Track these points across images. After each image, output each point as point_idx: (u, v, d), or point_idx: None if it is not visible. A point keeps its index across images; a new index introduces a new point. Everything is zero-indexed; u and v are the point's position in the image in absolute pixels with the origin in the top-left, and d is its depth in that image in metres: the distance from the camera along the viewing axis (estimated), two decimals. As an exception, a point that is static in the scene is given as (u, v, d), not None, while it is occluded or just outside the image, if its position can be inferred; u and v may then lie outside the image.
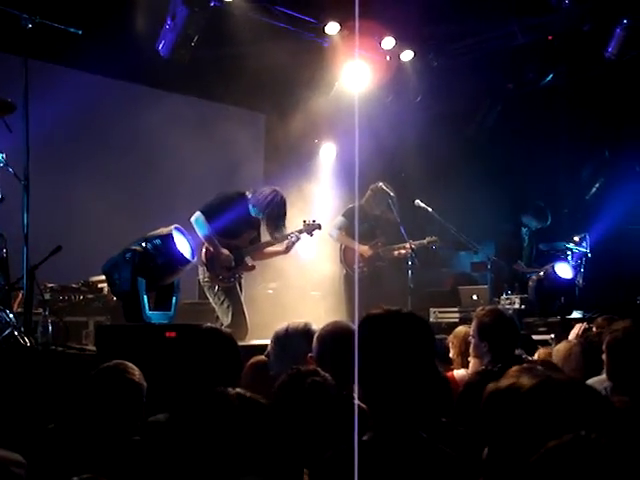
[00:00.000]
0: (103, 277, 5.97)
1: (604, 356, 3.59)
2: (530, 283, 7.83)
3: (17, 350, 4.61)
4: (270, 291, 8.77)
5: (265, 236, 6.86)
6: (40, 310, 5.68)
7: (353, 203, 7.97)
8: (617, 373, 3.48)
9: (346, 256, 7.82)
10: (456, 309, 7.98)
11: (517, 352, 4.17)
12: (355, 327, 3.33)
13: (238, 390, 1.65)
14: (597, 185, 10.26)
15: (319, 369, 2.68)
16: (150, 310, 5.15)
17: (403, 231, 7.47)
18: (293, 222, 7.10)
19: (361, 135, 7.87)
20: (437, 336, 5.49)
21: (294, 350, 3.41)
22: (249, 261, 6.74)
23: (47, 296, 6.51)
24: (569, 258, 8.38)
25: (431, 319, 7.84)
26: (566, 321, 7.17)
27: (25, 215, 5.14)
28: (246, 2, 7.96)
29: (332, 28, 8.71)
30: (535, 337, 6.76)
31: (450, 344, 4.91)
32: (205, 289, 6.58)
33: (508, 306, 7.51)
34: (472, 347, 4.14)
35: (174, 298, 5.39)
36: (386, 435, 2.19)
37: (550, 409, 1.74)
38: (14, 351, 4.59)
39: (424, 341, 2.29)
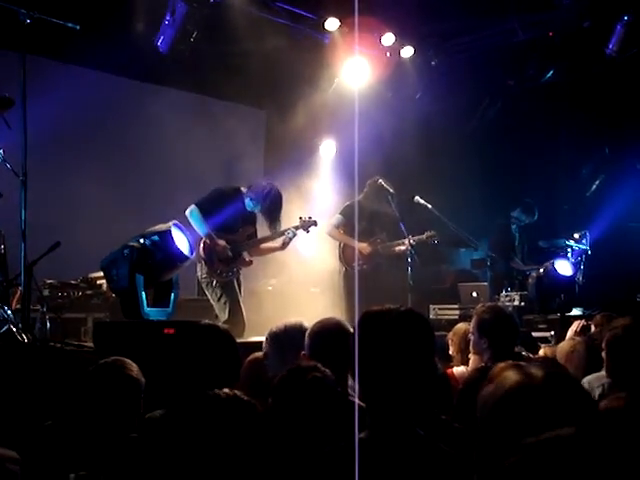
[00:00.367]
0: (102, 273, 5.95)
1: (604, 353, 3.58)
2: (530, 280, 7.81)
3: (15, 347, 4.60)
4: (270, 287, 8.76)
5: (262, 232, 6.86)
6: (38, 307, 5.67)
7: (352, 200, 7.94)
8: (616, 370, 3.47)
9: (345, 253, 7.80)
10: (456, 306, 7.98)
11: (517, 349, 4.16)
12: (349, 324, 3.33)
13: (228, 391, 1.63)
14: (597, 182, 10.25)
15: (319, 365, 2.66)
16: (148, 307, 5.13)
17: (403, 227, 7.45)
18: (292, 218, 7.09)
19: (361, 131, 7.84)
20: (437, 333, 5.47)
21: (290, 349, 3.39)
22: (246, 256, 6.74)
23: (46, 292, 6.51)
24: (569, 255, 8.37)
25: (431, 316, 7.83)
26: (566, 318, 7.16)
27: (23, 211, 5.12)
28: (246, -2, 7.95)
29: (332, 24, 8.70)
30: (535, 334, 6.76)
31: (450, 341, 4.91)
32: (203, 285, 6.58)
33: (508, 303, 7.50)
34: (472, 344, 4.13)
35: (173, 295, 5.38)
36: (384, 433, 2.17)
37: (529, 406, 1.73)
38: (12, 348, 4.57)
39: (423, 338, 2.27)
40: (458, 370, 4.58)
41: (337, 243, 7.92)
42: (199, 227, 6.35)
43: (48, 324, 5.48)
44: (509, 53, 9.28)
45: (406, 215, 7.62)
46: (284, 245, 6.82)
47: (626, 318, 3.76)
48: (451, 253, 10.04)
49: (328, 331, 3.23)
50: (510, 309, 6.47)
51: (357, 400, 2.49)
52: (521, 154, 9.81)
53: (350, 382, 3.06)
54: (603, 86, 9.37)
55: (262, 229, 6.84)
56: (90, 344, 5.29)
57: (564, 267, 7.84)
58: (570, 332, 5.11)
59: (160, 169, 8.61)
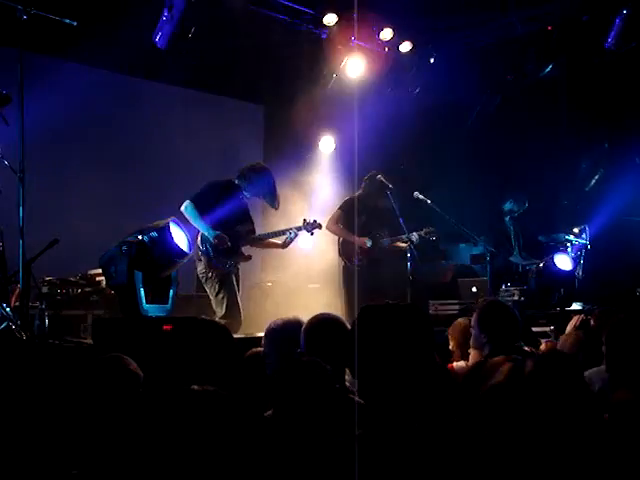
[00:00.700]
0: (101, 270, 5.94)
1: (603, 348, 3.56)
2: (529, 275, 7.81)
3: (13, 344, 4.59)
4: (269, 283, 8.76)
5: (261, 229, 6.88)
6: (37, 304, 5.67)
7: (351, 195, 7.93)
8: (616, 365, 3.46)
9: (344, 248, 7.78)
10: (455, 301, 7.97)
11: (517, 344, 4.15)
12: (348, 319, 3.32)
13: (206, 387, 1.62)
14: (597, 177, 10.23)
15: (320, 360, 2.65)
16: (147, 303, 5.13)
17: (402, 223, 7.43)
18: (293, 213, 7.10)
19: (360, 126, 7.84)
20: (436, 328, 5.48)
21: (288, 346, 3.38)
22: (245, 252, 6.74)
23: (45, 290, 6.49)
24: (569, 250, 8.36)
25: (430, 311, 7.82)
26: (565, 313, 7.15)
27: (21, 208, 5.12)
28: (244, -7, 7.92)
29: (330, 19, 8.67)
30: (534, 329, 6.74)
31: (449, 336, 4.90)
32: (202, 280, 6.57)
33: (507, 298, 7.49)
34: (472, 338, 4.12)
35: (171, 291, 5.37)
36: (382, 428, 2.16)
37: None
38: (10, 345, 4.57)
39: (423, 333, 2.27)
40: (458, 365, 4.58)
41: (336, 238, 7.91)
42: (195, 222, 6.32)
43: (47, 321, 5.48)
44: (508, 47, 9.26)
45: (405, 210, 7.60)
46: (285, 245, 6.82)
47: (626, 313, 3.75)
48: (450, 248, 10.03)
49: (324, 326, 3.23)
50: (510, 304, 6.45)
51: (356, 397, 2.49)
52: (520, 149, 9.78)
53: (348, 377, 3.05)
54: (602, 80, 9.35)
55: (262, 224, 6.85)
56: (89, 341, 5.29)
57: (564, 262, 7.83)
58: (569, 327, 5.10)
59: (158, 165, 8.60)
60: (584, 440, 1.51)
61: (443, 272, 9.59)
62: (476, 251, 9.30)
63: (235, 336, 5.45)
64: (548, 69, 9.51)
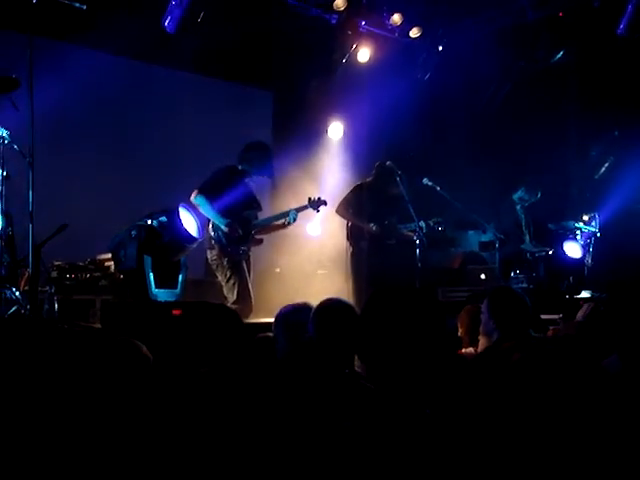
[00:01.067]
0: (110, 255, 5.96)
1: (615, 336, 3.55)
2: (539, 262, 7.78)
3: (22, 327, 4.61)
4: (278, 269, 8.76)
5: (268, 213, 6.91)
6: (47, 288, 5.68)
7: (361, 181, 7.92)
8: (628, 354, 3.44)
9: (353, 233, 7.78)
10: (464, 288, 7.94)
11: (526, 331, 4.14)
12: (356, 304, 3.31)
13: (209, 369, 1.62)
14: (607, 164, 10.17)
15: (325, 345, 2.65)
16: (157, 288, 5.13)
17: (411, 210, 7.42)
18: (302, 199, 7.10)
19: (369, 112, 7.82)
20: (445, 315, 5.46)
21: (298, 331, 3.38)
22: (256, 235, 6.79)
23: (54, 274, 6.51)
24: (578, 237, 8.33)
25: (439, 298, 7.80)
26: (575, 300, 7.14)
27: (30, 193, 5.12)
28: (253, -22, 7.89)
29: (340, 4, 8.63)
30: (543, 316, 6.72)
31: (458, 323, 4.89)
32: (213, 267, 6.61)
33: (516, 285, 7.47)
34: (482, 324, 4.12)
35: (181, 276, 5.38)
36: (391, 413, 2.16)
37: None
38: (20, 328, 4.58)
39: (434, 318, 2.26)
40: (467, 351, 4.57)
41: (345, 224, 7.90)
42: (206, 211, 6.39)
43: (56, 305, 5.49)
44: (519, 34, 9.20)
45: (415, 197, 7.58)
46: (285, 225, 6.96)
47: (638, 300, 3.73)
48: (459, 235, 10.00)
49: (333, 312, 3.22)
50: (520, 291, 6.43)
51: (366, 382, 2.49)
52: (530, 136, 9.74)
53: (358, 363, 3.05)
54: (613, 67, 9.28)
55: (271, 208, 6.87)
56: (98, 325, 5.30)
57: (573, 249, 7.81)
58: (580, 314, 5.08)
59: (167, 151, 8.59)
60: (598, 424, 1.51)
61: (452, 259, 9.57)
62: (485, 238, 9.27)
63: (245, 321, 5.48)
64: (559, 55, 9.45)
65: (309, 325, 3.26)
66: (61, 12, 5.85)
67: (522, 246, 8.59)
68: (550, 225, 8.87)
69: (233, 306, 6.28)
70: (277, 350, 3.47)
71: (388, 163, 7.58)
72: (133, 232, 5.01)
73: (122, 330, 4.24)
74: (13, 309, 4.80)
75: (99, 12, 6.42)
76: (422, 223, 7.48)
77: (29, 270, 5.25)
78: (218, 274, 6.59)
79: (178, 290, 5.34)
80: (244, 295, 6.47)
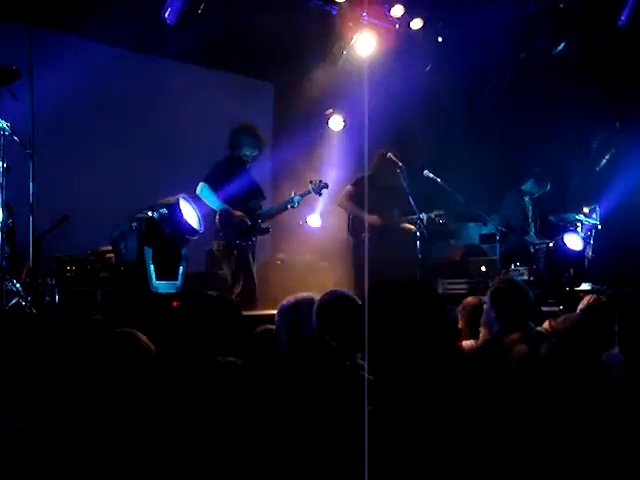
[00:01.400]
0: (111, 247, 5.95)
1: (616, 327, 3.54)
2: (539, 254, 7.78)
3: (23, 319, 4.61)
4: (279, 261, 8.76)
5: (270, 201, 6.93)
6: (48, 280, 5.68)
7: (362, 173, 7.91)
8: (629, 345, 3.44)
9: (354, 225, 7.78)
10: (464, 280, 7.95)
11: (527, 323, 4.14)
12: (358, 296, 3.31)
13: (230, 359, 1.62)
14: (607, 156, 10.15)
15: (326, 337, 2.65)
16: (157, 280, 5.13)
17: (412, 202, 7.42)
18: (301, 190, 7.11)
19: (370, 104, 7.75)
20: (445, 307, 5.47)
21: (301, 323, 3.38)
22: (263, 225, 6.80)
23: (55, 266, 6.51)
24: (579, 229, 8.32)
25: (439, 290, 7.80)
26: (575, 293, 7.13)
27: (31, 184, 5.11)
28: (253, -32, 7.86)
29: (341, -5, 8.60)
30: (544, 309, 6.72)
31: (458, 315, 4.90)
32: (219, 257, 6.62)
33: (517, 277, 7.46)
34: (483, 314, 4.14)
35: (181, 268, 5.37)
36: (391, 405, 2.16)
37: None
38: (20, 320, 4.58)
39: (434, 310, 2.26)
40: (467, 343, 4.58)
41: (347, 215, 7.90)
42: (212, 203, 6.42)
43: (57, 297, 5.49)
44: (520, 25, 9.17)
45: (415, 189, 7.58)
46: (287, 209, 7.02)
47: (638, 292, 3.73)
48: (460, 227, 9.99)
49: (335, 304, 3.23)
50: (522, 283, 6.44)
51: (366, 373, 2.48)
52: (531, 128, 9.73)
53: (360, 355, 3.05)
54: (614, 59, 9.26)
55: (274, 197, 6.88)
56: (99, 317, 5.30)
57: (574, 241, 7.80)
58: (581, 306, 5.08)
59: (167, 142, 8.58)
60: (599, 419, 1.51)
61: (453, 251, 9.57)
62: (485, 230, 9.27)
63: (246, 313, 5.49)
64: (560, 47, 9.43)
65: (312, 317, 3.26)
66: (61, 3, 5.83)
67: (526, 237, 8.59)
68: (551, 217, 8.87)
69: (237, 299, 6.30)
70: (278, 342, 3.48)
71: (389, 155, 7.57)
72: (134, 224, 5.01)
73: (123, 322, 4.23)
74: (14, 301, 4.80)
75: (99, 3, 6.41)
76: (423, 215, 7.48)
77: (30, 262, 5.25)
78: (224, 265, 6.61)
79: (179, 282, 5.34)
80: (249, 287, 6.51)
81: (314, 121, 9.68)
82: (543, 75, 9.74)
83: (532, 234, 8.64)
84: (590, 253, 8.22)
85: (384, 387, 2.23)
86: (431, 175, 7.58)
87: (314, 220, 8.64)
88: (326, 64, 9.15)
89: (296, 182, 7.15)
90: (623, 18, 8.46)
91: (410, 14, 9.09)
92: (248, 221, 6.53)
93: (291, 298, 3.62)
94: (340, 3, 8.67)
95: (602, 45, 9.31)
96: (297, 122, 9.38)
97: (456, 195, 7.60)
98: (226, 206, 6.47)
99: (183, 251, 5.40)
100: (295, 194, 6.94)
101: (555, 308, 6.89)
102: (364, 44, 9.01)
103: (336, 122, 9.88)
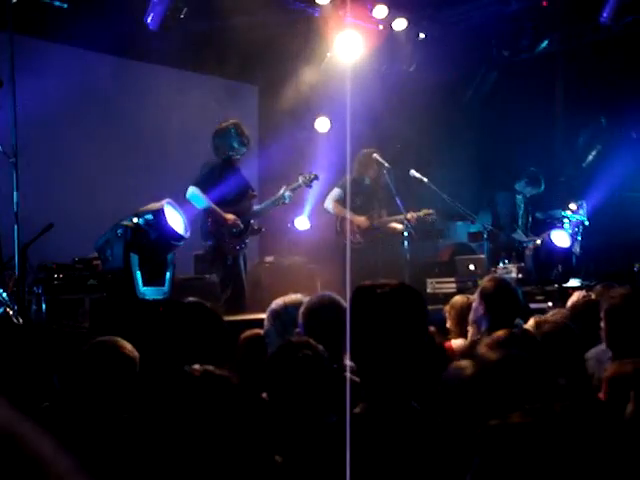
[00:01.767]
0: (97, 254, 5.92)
1: (602, 324, 3.55)
2: (527, 252, 7.79)
3: (10, 329, 4.58)
4: (267, 264, 8.74)
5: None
6: (34, 289, 5.65)
7: (348, 175, 7.90)
8: (616, 341, 3.45)
9: (343, 228, 7.78)
10: (453, 279, 7.95)
11: (516, 321, 4.15)
12: (345, 298, 3.30)
13: (205, 367, 1.61)
14: (594, 152, 10.20)
15: (311, 340, 2.64)
16: (144, 286, 5.11)
17: (399, 203, 7.42)
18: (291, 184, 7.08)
19: (355, 105, 7.77)
20: (434, 307, 5.48)
21: (290, 326, 3.37)
22: (255, 224, 6.77)
23: (42, 274, 6.48)
24: (566, 226, 8.34)
25: (428, 290, 7.80)
26: (564, 289, 7.15)
27: (15, 193, 5.09)
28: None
29: (323, -3, 8.60)
30: (533, 306, 6.73)
31: (447, 314, 4.90)
32: (210, 261, 6.58)
33: (505, 275, 7.47)
34: (472, 310, 4.15)
35: (168, 273, 5.35)
36: (378, 407, 2.16)
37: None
38: (7, 330, 4.56)
39: (416, 312, 2.26)
40: (456, 343, 4.58)
41: (335, 217, 7.90)
42: (203, 206, 6.36)
43: (44, 306, 5.46)
44: (503, 23, 9.20)
45: (402, 189, 7.58)
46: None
47: (624, 288, 3.74)
48: (447, 226, 10.01)
49: (322, 307, 3.22)
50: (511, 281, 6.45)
51: (349, 375, 2.48)
52: (517, 125, 9.76)
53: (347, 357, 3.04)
54: (598, 55, 9.30)
55: (261, 194, 6.87)
56: (87, 325, 5.27)
57: (561, 238, 7.81)
58: (570, 303, 5.09)
59: (153, 147, 8.56)
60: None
61: (441, 251, 9.58)
62: (473, 229, 9.29)
63: (235, 318, 5.47)
64: (544, 45, 9.46)
65: (299, 321, 3.26)
66: (42, 10, 5.81)
67: (514, 235, 8.62)
68: (538, 214, 8.90)
69: (227, 303, 6.28)
70: (268, 345, 3.46)
71: (374, 155, 7.58)
72: (119, 231, 4.98)
73: (111, 329, 4.21)
74: (0, 310, 4.77)
75: (81, 10, 6.39)
76: (412, 215, 7.47)
77: (16, 271, 5.22)
78: (213, 269, 6.56)
79: (166, 288, 5.31)
80: (239, 291, 6.47)
81: (299, 123, 9.68)
82: (527, 73, 9.77)
83: (520, 232, 8.67)
84: (578, 249, 8.23)
85: (370, 389, 2.23)
86: (417, 175, 7.58)
87: (302, 223, 8.63)
88: (310, 66, 9.15)
89: (281, 185, 7.12)
90: (605, 15, 8.49)
91: (393, 15, 9.10)
92: (241, 224, 6.48)
93: (279, 301, 3.61)
94: (323, 5, 8.67)
95: (585, 42, 9.35)
96: (283, 124, 9.38)
97: (442, 194, 7.60)
98: (218, 209, 6.42)
99: (169, 257, 5.37)
100: (285, 189, 6.88)
101: (544, 305, 6.91)
102: (348, 45, 9.01)
103: (322, 123, 9.88)
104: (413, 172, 7.60)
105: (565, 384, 2.56)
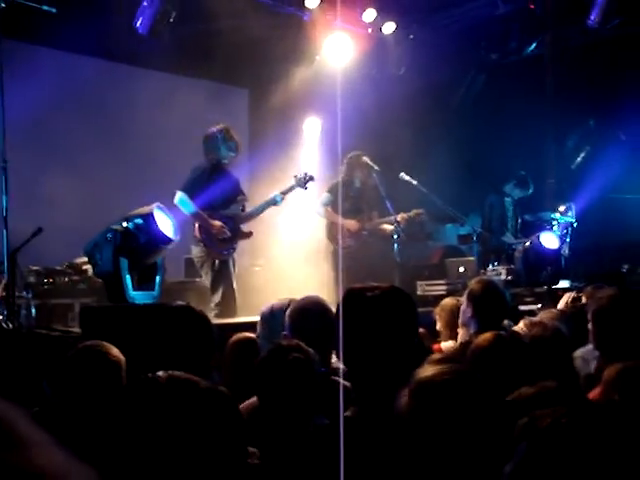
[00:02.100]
0: (87, 259, 5.91)
1: (590, 325, 3.56)
2: (516, 254, 7.82)
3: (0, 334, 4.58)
4: (257, 268, 8.74)
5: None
6: (24, 294, 5.64)
7: (337, 178, 7.92)
8: (604, 342, 3.46)
9: (333, 232, 7.78)
10: (443, 282, 7.97)
11: (505, 323, 4.17)
12: (336, 302, 3.31)
13: (170, 373, 1.61)
14: (582, 154, 10.24)
15: (301, 343, 2.65)
16: (134, 290, 5.10)
17: (389, 205, 7.43)
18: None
19: (345, 109, 7.76)
20: (424, 309, 5.48)
21: (278, 328, 3.37)
22: (244, 228, 6.76)
23: (31, 279, 6.47)
24: (555, 228, 8.37)
25: (418, 292, 7.82)
26: (553, 291, 7.17)
27: (4, 197, 5.09)
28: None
29: (312, 1, 8.61)
30: (522, 307, 6.75)
31: (437, 316, 4.91)
32: (198, 265, 6.57)
33: (495, 277, 7.49)
34: (460, 313, 4.17)
35: (158, 277, 5.34)
36: (369, 410, 2.16)
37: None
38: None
39: (406, 315, 2.27)
40: (446, 345, 4.59)
41: (325, 221, 7.91)
42: (190, 211, 6.35)
43: (34, 311, 5.46)
44: (491, 26, 9.24)
45: (392, 192, 7.59)
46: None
47: (612, 289, 3.76)
48: (437, 229, 10.04)
49: (308, 310, 3.22)
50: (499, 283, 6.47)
51: (342, 380, 2.48)
52: (506, 128, 9.79)
53: (334, 360, 3.05)
54: (586, 57, 9.34)
55: (252, 198, 6.88)
56: (77, 329, 5.26)
57: (550, 240, 7.84)
58: (561, 304, 5.11)
59: (142, 151, 8.55)
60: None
61: (431, 253, 9.60)
62: (463, 231, 9.31)
63: (225, 321, 5.47)
64: (532, 47, 9.50)
65: (285, 324, 3.26)
66: (31, 15, 5.80)
67: (503, 238, 8.65)
68: (527, 216, 8.93)
69: (217, 307, 6.28)
70: (260, 348, 3.47)
71: (363, 158, 7.59)
72: (108, 235, 4.97)
73: (101, 333, 4.21)
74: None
75: (70, 14, 6.38)
76: (401, 216, 7.48)
77: (5, 276, 5.21)
78: (203, 273, 6.55)
79: (156, 292, 5.31)
80: (229, 295, 6.45)
81: (290, 126, 9.69)
82: (516, 75, 9.80)
83: (509, 234, 8.70)
84: (567, 251, 8.27)
85: (361, 393, 2.24)
86: (407, 178, 7.59)
87: (288, 226, 8.61)
88: (301, 70, 9.17)
89: (272, 189, 7.12)
90: (592, 18, 8.52)
91: (383, 18, 9.13)
92: (227, 231, 6.46)
93: (268, 304, 3.62)
94: (312, 9, 8.69)
95: (573, 44, 9.39)
96: (273, 127, 9.39)
97: (432, 197, 7.62)
98: (204, 215, 6.41)
99: (159, 261, 5.37)
100: (276, 193, 6.88)
101: (533, 307, 6.93)
102: (337, 49, 9.04)
103: (312, 127, 9.90)
104: (403, 175, 7.61)
105: (555, 386, 2.57)
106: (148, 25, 7.62)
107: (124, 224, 5.02)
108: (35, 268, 6.69)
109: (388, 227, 7.63)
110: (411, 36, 9.31)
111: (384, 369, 2.20)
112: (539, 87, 9.96)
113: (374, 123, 9.08)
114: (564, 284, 7.62)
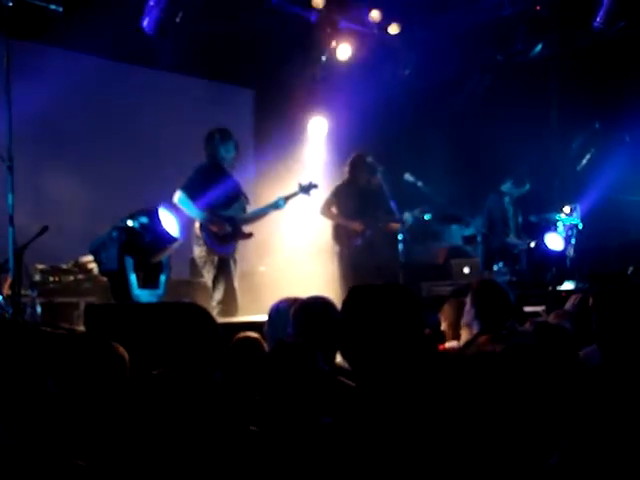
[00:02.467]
0: (92, 257, 5.93)
1: (594, 325, 3.56)
2: (521, 255, 7.82)
3: (4, 332, 4.59)
4: (262, 268, 8.75)
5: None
6: (30, 292, 5.66)
7: (341, 180, 7.93)
8: (606, 342, 3.46)
9: (338, 233, 7.79)
10: (448, 282, 7.97)
11: (508, 323, 4.17)
12: (341, 302, 3.32)
13: (162, 370, 1.63)
14: (588, 156, 10.21)
15: (306, 343, 2.65)
16: (138, 289, 5.12)
17: (393, 204, 7.43)
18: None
19: (350, 109, 7.81)
20: (429, 310, 5.48)
21: (282, 327, 3.38)
22: (245, 229, 6.77)
23: (37, 277, 6.49)
24: (560, 229, 8.37)
25: (423, 292, 7.82)
26: (558, 292, 7.17)
27: (10, 196, 5.10)
28: (231, -24, 7.88)
29: (319, 2, 8.62)
30: (526, 308, 6.75)
31: (441, 317, 4.91)
32: (199, 265, 6.59)
33: (499, 278, 7.49)
34: (464, 313, 4.17)
35: (163, 276, 5.36)
36: (373, 409, 2.17)
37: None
38: (1, 333, 4.56)
39: (410, 312, 2.27)
40: (450, 345, 4.59)
41: (330, 223, 7.91)
42: (190, 211, 6.36)
43: (39, 309, 5.48)
44: (497, 27, 9.23)
45: (397, 193, 7.59)
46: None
47: (618, 290, 3.75)
48: (442, 230, 10.03)
49: (313, 309, 3.23)
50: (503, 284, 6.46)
51: (345, 380, 2.49)
52: (511, 129, 9.78)
53: (339, 360, 3.06)
54: (592, 60, 9.33)
55: (255, 201, 6.88)
56: (81, 328, 5.28)
57: (555, 241, 7.85)
58: (568, 305, 5.10)
59: (148, 150, 8.57)
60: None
61: (436, 254, 9.60)
62: (468, 232, 9.31)
63: (227, 320, 5.49)
64: (538, 49, 9.49)
65: (290, 323, 3.27)
66: (38, 14, 5.82)
67: (507, 240, 8.64)
68: (531, 217, 8.92)
69: (218, 306, 6.29)
70: (268, 346, 3.49)
71: (368, 159, 7.59)
72: (114, 233, 4.99)
73: (106, 332, 4.22)
74: (-4, 314, 4.78)
75: (77, 14, 6.40)
76: (407, 215, 7.48)
77: (11, 274, 5.22)
78: (204, 272, 6.56)
79: (160, 291, 5.32)
80: (230, 294, 6.46)
81: (295, 127, 9.70)
82: (522, 76, 9.79)
83: (512, 236, 8.70)
84: (572, 252, 8.26)
85: (365, 390, 2.24)
86: (412, 178, 7.59)
87: (290, 227, 8.62)
88: (306, 70, 9.18)
89: (278, 189, 7.14)
90: (598, 19, 8.51)
91: (388, 19, 9.14)
92: (228, 228, 6.48)
93: (276, 302, 3.65)
94: (318, 10, 8.71)
95: (579, 46, 9.38)
96: (278, 128, 9.40)
97: (437, 198, 7.62)
98: (204, 214, 6.43)
99: (164, 259, 5.38)
100: (279, 197, 6.91)
101: (538, 308, 6.93)
102: (343, 50, 9.06)
103: (317, 128, 9.91)
104: (408, 175, 7.61)
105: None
106: (154, 25, 7.63)
107: (129, 223, 5.04)
108: (41, 266, 6.72)
109: (393, 225, 7.63)
110: (422, 36, 9.31)
111: (389, 367, 2.21)
112: (545, 88, 9.95)
113: (378, 123, 9.09)
114: (569, 285, 7.62)
